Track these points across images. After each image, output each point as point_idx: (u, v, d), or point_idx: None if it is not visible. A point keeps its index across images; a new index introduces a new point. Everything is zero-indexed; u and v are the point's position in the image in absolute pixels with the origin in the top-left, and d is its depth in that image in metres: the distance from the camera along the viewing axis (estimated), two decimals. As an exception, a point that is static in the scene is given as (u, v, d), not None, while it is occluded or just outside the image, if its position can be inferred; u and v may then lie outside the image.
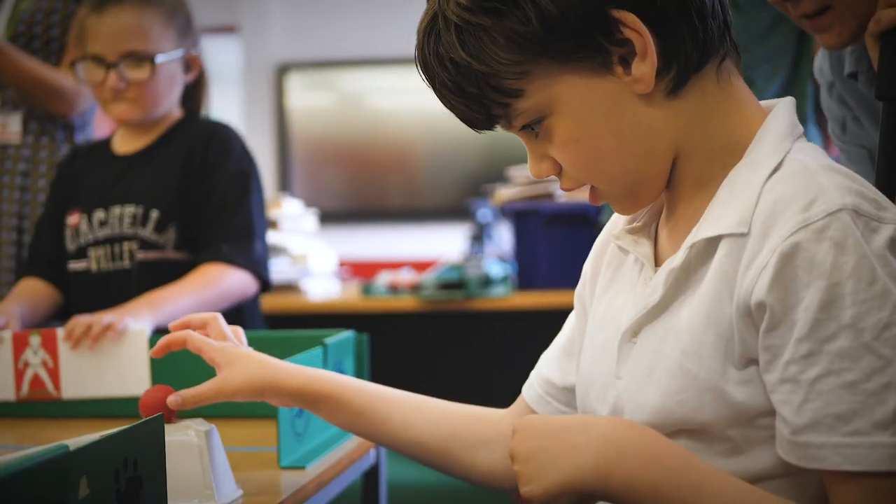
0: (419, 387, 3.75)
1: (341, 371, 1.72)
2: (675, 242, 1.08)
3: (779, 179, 0.99)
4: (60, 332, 1.88)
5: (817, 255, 0.93)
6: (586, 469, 0.98)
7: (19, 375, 1.88)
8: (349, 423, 1.31)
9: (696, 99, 1.05)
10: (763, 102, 1.09)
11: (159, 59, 2.18)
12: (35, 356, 1.87)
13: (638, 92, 1.03)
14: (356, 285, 4.31)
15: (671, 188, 1.09)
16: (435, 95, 1.09)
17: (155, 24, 2.20)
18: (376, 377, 1.89)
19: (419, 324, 3.88)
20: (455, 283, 3.66)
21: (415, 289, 3.77)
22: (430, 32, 1.06)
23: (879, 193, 0.98)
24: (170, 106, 2.27)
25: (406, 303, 3.72)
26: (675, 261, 1.04)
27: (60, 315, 2.26)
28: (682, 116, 1.04)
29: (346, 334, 1.76)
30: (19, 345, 1.88)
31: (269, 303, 3.18)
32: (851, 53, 1.48)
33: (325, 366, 1.64)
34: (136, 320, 1.91)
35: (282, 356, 1.51)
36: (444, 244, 6.32)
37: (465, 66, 1.03)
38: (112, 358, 1.86)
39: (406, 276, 3.90)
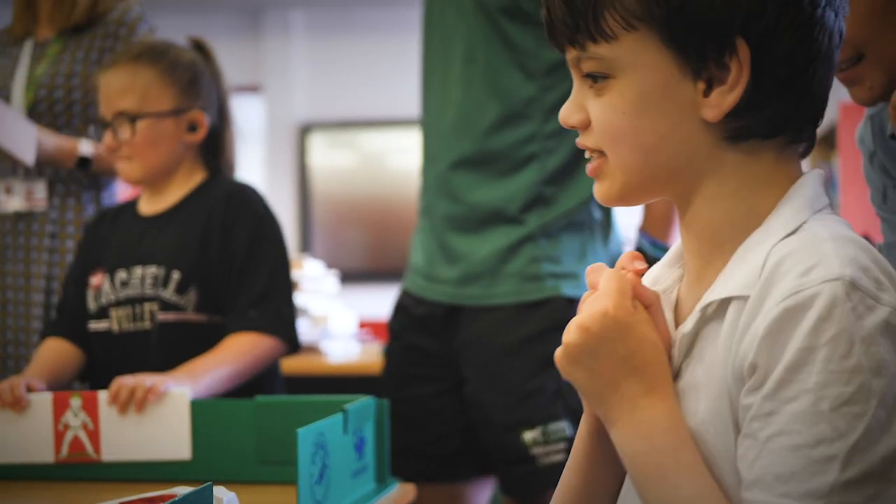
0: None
1: (362, 438, 1.71)
2: (691, 307, 1.07)
3: (786, 244, 0.99)
4: (102, 394, 1.87)
5: (803, 319, 0.92)
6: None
7: (59, 437, 1.87)
8: None
9: (745, 158, 1.04)
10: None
11: (141, 116, 2.20)
12: (75, 418, 1.87)
13: (704, 116, 1.02)
14: (376, 347, 4.29)
15: (690, 241, 1.09)
16: None
17: (145, 83, 2.21)
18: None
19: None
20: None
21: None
22: None
23: (890, 272, 0.97)
24: (173, 165, 2.27)
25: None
26: (686, 326, 1.04)
27: (83, 378, 2.25)
28: (724, 164, 1.04)
29: (367, 400, 1.75)
30: (60, 406, 1.87)
31: (289, 365, 3.16)
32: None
33: (345, 432, 1.62)
34: (178, 385, 1.90)
35: (302, 422, 1.50)
36: (464, 305, 6.29)
37: None
38: (153, 420, 1.85)
39: (426, 339, 3.87)
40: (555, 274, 2.12)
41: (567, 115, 1.08)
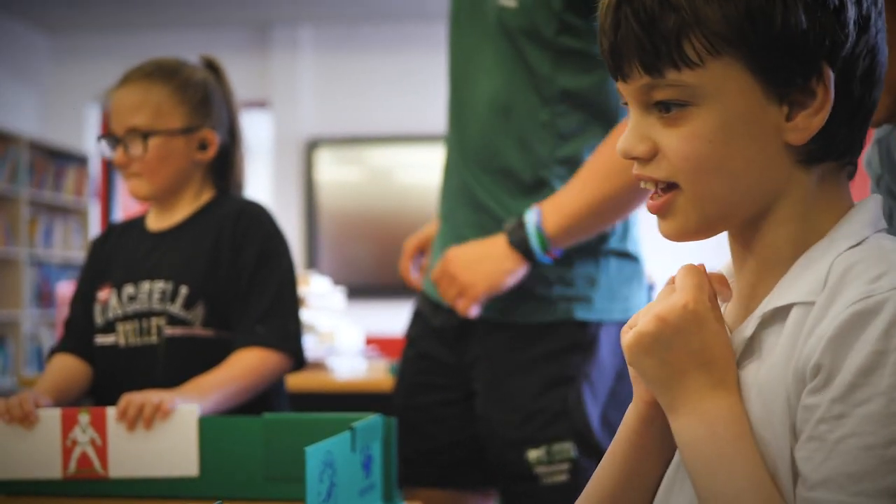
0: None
1: (370, 456, 1.70)
2: (739, 319, 1.09)
3: (851, 254, 1.01)
4: (110, 410, 1.87)
5: (871, 323, 0.94)
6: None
7: (67, 453, 1.87)
8: None
9: (816, 181, 1.05)
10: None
11: (153, 133, 2.21)
12: (84, 434, 1.86)
13: (790, 140, 1.03)
14: (383, 364, 4.29)
15: (747, 258, 1.09)
16: (607, 21, 1.05)
17: (158, 101, 2.22)
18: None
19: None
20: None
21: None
22: None
23: None
24: (183, 182, 2.28)
25: (433, 382, 3.68)
26: (746, 331, 1.06)
27: (89, 392, 2.25)
28: (797, 187, 1.05)
29: (374, 418, 1.74)
30: (68, 422, 1.87)
31: (295, 381, 3.16)
32: None
33: (353, 450, 1.62)
34: (186, 401, 1.90)
35: (309, 439, 1.50)
36: (470, 322, 6.29)
37: (674, 9, 1.01)
38: (161, 437, 1.85)
39: (433, 356, 3.87)
40: (567, 297, 2.12)
41: (630, 145, 1.07)
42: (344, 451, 1.59)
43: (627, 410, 1.14)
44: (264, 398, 2.15)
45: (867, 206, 1.07)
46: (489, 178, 2.18)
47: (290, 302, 2.23)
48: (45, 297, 7.29)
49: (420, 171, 7.57)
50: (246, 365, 2.11)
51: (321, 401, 3.18)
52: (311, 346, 3.73)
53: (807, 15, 0.99)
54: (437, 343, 2.27)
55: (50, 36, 8.08)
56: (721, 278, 1.11)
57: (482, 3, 2.15)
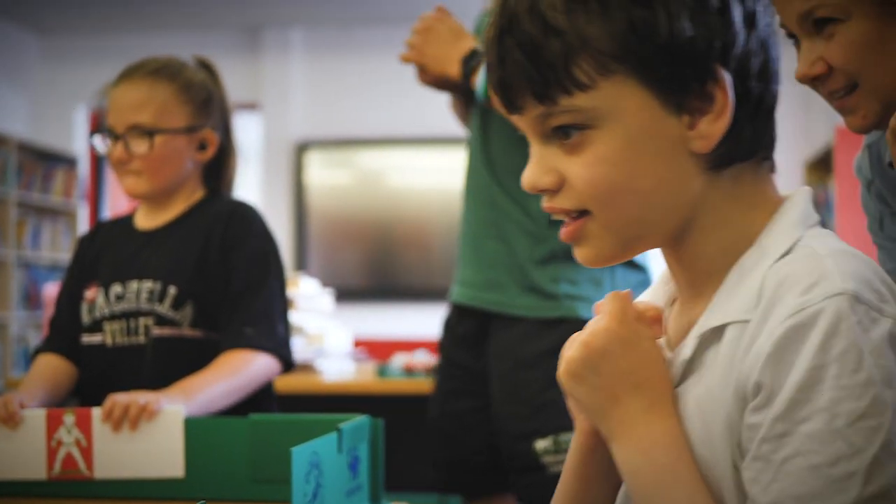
0: (432, 471, 3.72)
1: (356, 458, 1.70)
2: (681, 331, 1.07)
3: (785, 263, 0.98)
4: (96, 411, 1.86)
5: (808, 337, 0.92)
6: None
7: (52, 454, 1.86)
8: None
9: (729, 185, 1.03)
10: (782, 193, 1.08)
11: (159, 131, 2.20)
12: (69, 435, 1.85)
13: (695, 148, 1.00)
14: (371, 366, 4.28)
15: (684, 270, 1.08)
16: (492, 55, 1.02)
17: (163, 99, 2.22)
18: (390, 461, 1.87)
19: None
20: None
21: (430, 371, 3.74)
22: None
23: (889, 284, 0.97)
24: (180, 181, 2.27)
25: (421, 385, 3.69)
26: (685, 352, 1.03)
27: (75, 392, 2.24)
28: (712, 194, 1.03)
29: (362, 419, 1.74)
30: (53, 423, 1.86)
31: (283, 383, 3.15)
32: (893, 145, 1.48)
33: (339, 451, 1.62)
34: (172, 402, 1.90)
35: (296, 441, 1.50)
36: (459, 325, 6.29)
37: (557, 34, 0.98)
38: (146, 438, 1.84)
39: (421, 359, 3.88)
40: (571, 295, 2.20)
41: (535, 178, 1.03)
42: (330, 452, 1.59)
43: (573, 438, 1.13)
44: (252, 400, 2.14)
45: (794, 202, 1.04)
46: (508, 178, 2.25)
47: (279, 304, 2.22)
48: (32, 299, 7.27)
49: (410, 174, 7.57)
50: (233, 366, 2.10)
51: (309, 402, 3.18)
52: (300, 348, 3.73)
53: (692, 20, 0.98)
54: (462, 350, 2.35)
55: (40, 37, 8.06)
56: (654, 312, 1.08)
57: None
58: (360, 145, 7.60)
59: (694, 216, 1.03)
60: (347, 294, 6.65)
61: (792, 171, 6.28)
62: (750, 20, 1.01)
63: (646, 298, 1.16)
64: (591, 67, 0.98)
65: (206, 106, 2.28)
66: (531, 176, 1.04)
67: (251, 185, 7.69)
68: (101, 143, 2.26)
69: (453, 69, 2.20)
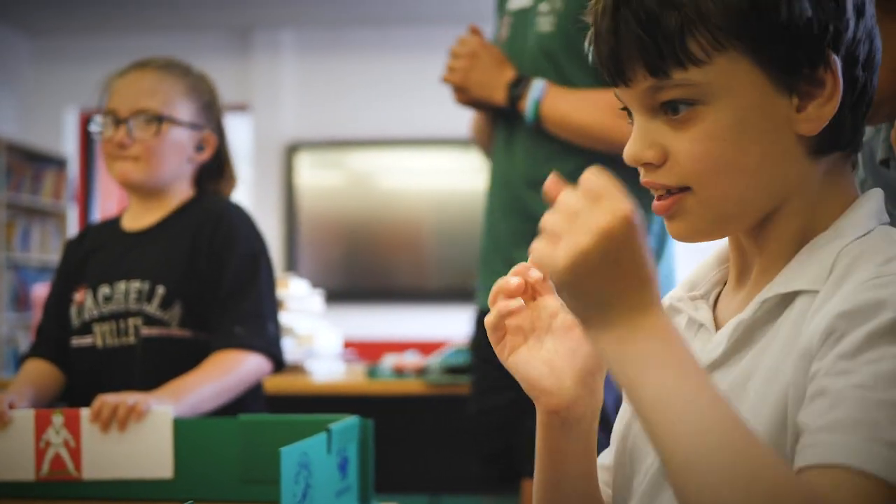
0: (422, 472, 3.72)
1: (346, 458, 1.70)
2: (740, 307, 1.05)
3: (859, 243, 0.99)
4: (84, 412, 1.85)
5: (887, 296, 0.91)
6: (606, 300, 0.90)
7: (40, 455, 1.85)
8: None
9: (824, 171, 1.04)
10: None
11: (166, 118, 2.20)
12: (57, 436, 1.85)
13: (802, 131, 1.01)
14: (361, 367, 4.28)
15: (753, 251, 1.07)
16: (605, 25, 1.01)
17: (173, 91, 2.23)
18: (380, 462, 1.87)
19: (424, 408, 3.85)
20: (461, 368, 3.63)
21: (420, 372, 3.74)
22: None
23: None
24: (174, 177, 2.27)
25: (411, 386, 3.69)
26: (743, 315, 1.03)
27: (65, 395, 2.24)
28: (808, 180, 1.03)
29: (351, 419, 1.74)
30: (41, 424, 1.85)
31: (273, 384, 3.15)
32: (884, 141, 1.49)
33: (329, 452, 1.62)
34: (161, 403, 1.90)
35: (285, 441, 1.50)
36: (449, 325, 6.30)
37: (675, 7, 0.98)
38: (135, 439, 1.84)
39: (411, 360, 3.88)
40: None
41: (638, 151, 1.03)
42: (320, 452, 1.59)
43: (537, 421, 1.11)
44: (241, 400, 2.14)
45: (872, 197, 1.05)
46: (539, 186, 2.32)
47: (269, 304, 2.22)
48: (21, 301, 7.25)
49: (400, 176, 7.57)
50: (224, 367, 2.10)
51: (299, 403, 3.17)
52: (290, 349, 3.72)
53: (810, 2, 0.98)
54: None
55: (30, 38, 8.04)
56: None
57: (525, 35, 2.36)
58: (350, 146, 7.60)
59: (788, 199, 1.04)
60: (337, 295, 6.65)
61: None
62: (860, 8, 1.02)
63: (692, 277, 1.15)
64: (707, 42, 0.99)
65: (209, 109, 2.29)
66: (634, 149, 1.03)
67: (241, 186, 7.68)
68: (101, 125, 2.24)
69: (499, 95, 2.37)
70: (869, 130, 1.54)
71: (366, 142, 7.55)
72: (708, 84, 0.99)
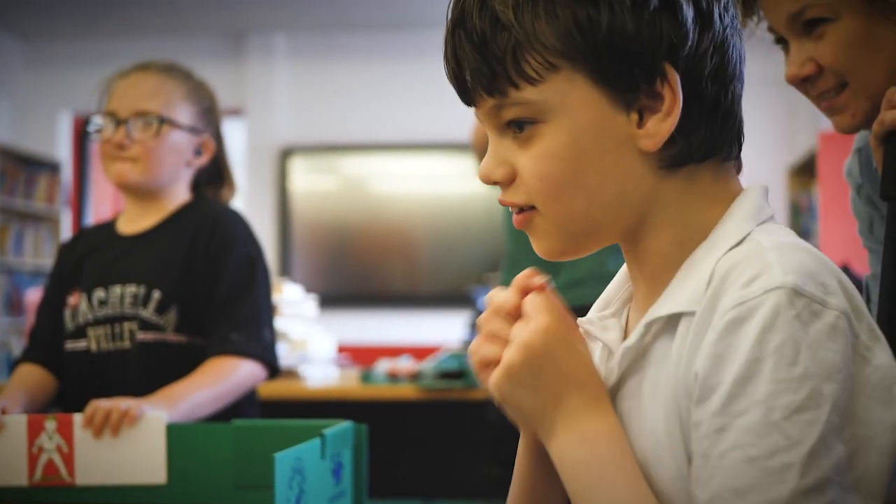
0: (416, 477, 3.73)
1: (340, 464, 1.69)
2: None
3: (731, 255, 0.98)
4: (77, 417, 1.85)
5: (745, 331, 0.91)
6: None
7: (33, 460, 1.84)
8: None
9: (684, 184, 1.03)
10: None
11: (167, 120, 2.20)
12: (50, 441, 1.84)
13: (643, 146, 1.00)
14: (355, 372, 4.28)
15: (640, 267, 1.07)
16: (447, 48, 1.04)
17: (173, 94, 2.23)
18: (374, 467, 1.87)
19: (418, 413, 3.85)
20: (454, 373, 3.63)
21: (414, 377, 3.73)
22: None
23: (839, 277, 0.96)
24: (171, 180, 2.27)
25: (405, 391, 3.69)
26: (629, 340, 1.03)
27: (58, 399, 2.23)
28: (665, 193, 1.02)
29: (345, 425, 1.74)
30: (34, 429, 1.85)
31: (266, 389, 3.15)
32: None
33: (323, 457, 1.61)
34: (154, 409, 1.89)
35: (279, 446, 1.49)
36: (443, 330, 6.30)
37: (504, 28, 0.99)
38: (128, 444, 1.83)
39: (405, 365, 3.87)
40: None
41: (489, 170, 1.04)
42: (314, 457, 1.58)
43: (519, 445, 1.12)
44: (235, 405, 2.13)
45: (747, 197, 1.04)
46: None
47: (265, 310, 2.21)
48: (15, 305, 7.24)
49: (395, 180, 7.56)
50: (219, 373, 2.09)
51: (292, 408, 3.17)
52: (283, 354, 3.72)
53: (633, 18, 0.98)
54: None
55: (23, 43, 8.03)
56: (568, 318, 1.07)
57: None
58: (344, 151, 7.59)
59: (647, 213, 1.03)
60: (331, 300, 6.64)
61: (776, 177, 6.30)
62: (705, 20, 1.00)
63: (605, 296, 1.15)
64: (538, 62, 0.99)
65: (209, 114, 2.29)
66: (485, 168, 1.05)
67: (235, 190, 7.67)
68: (99, 125, 2.22)
69: None
70: (865, 136, 1.54)
71: (360, 146, 7.55)
72: (544, 102, 1.00)
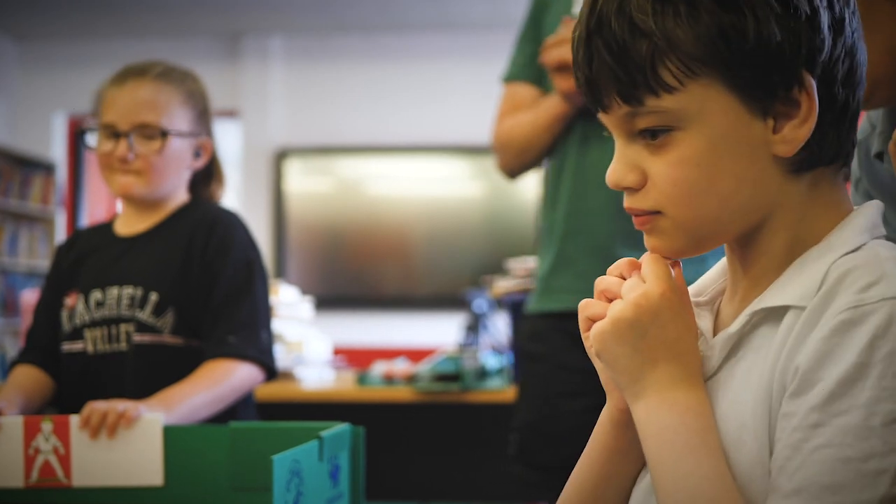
0: (412, 479, 3.73)
1: (337, 466, 1.69)
2: (732, 318, 1.07)
3: (848, 259, 0.99)
4: (74, 418, 1.84)
5: (857, 334, 0.93)
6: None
7: (29, 462, 1.84)
8: None
9: (808, 188, 1.04)
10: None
11: (170, 132, 2.18)
12: (46, 443, 1.84)
13: (778, 152, 1.01)
14: (351, 374, 4.28)
15: (746, 263, 1.08)
16: (580, 54, 1.03)
17: (172, 101, 2.21)
18: (370, 469, 1.87)
19: (414, 415, 3.84)
20: (451, 376, 3.63)
21: (410, 380, 3.73)
22: None
23: None
24: (174, 187, 2.26)
25: (401, 394, 3.69)
26: (732, 328, 1.04)
27: (55, 400, 2.22)
28: (790, 196, 1.04)
29: (343, 427, 1.73)
30: (30, 431, 1.84)
31: (262, 391, 3.14)
32: (880, 135, 1.49)
33: (320, 460, 1.61)
34: (151, 412, 1.89)
35: (276, 448, 1.49)
36: (438, 333, 6.29)
37: (644, 35, 0.99)
38: (125, 446, 1.83)
39: (401, 367, 3.87)
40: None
41: (620, 176, 1.04)
42: (311, 460, 1.58)
43: (602, 414, 1.13)
44: (232, 407, 2.13)
45: (866, 211, 1.05)
46: None
47: (263, 313, 2.21)
48: (10, 306, 7.22)
49: (390, 182, 7.56)
50: (216, 376, 2.09)
51: (288, 410, 3.17)
52: (279, 356, 3.71)
53: (779, 26, 0.98)
54: (576, 353, 2.45)
55: (18, 44, 8.01)
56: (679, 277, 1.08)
57: None
58: (339, 153, 7.59)
59: (769, 217, 1.04)
60: (326, 302, 6.64)
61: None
62: (838, 26, 1.02)
63: (700, 284, 1.16)
64: (678, 69, 0.99)
65: (204, 113, 2.28)
66: (615, 174, 1.05)
67: (230, 192, 7.66)
68: (97, 139, 2.21)
69: None
70: (864, 129, 1.54)
71: (355, 148, 7.55)
72: (682, 110, 1.00)
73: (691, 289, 1.14)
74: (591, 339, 1.04)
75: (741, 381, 1.02)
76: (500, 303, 4.03)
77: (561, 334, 2.36)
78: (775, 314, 1.01)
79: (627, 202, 1.06)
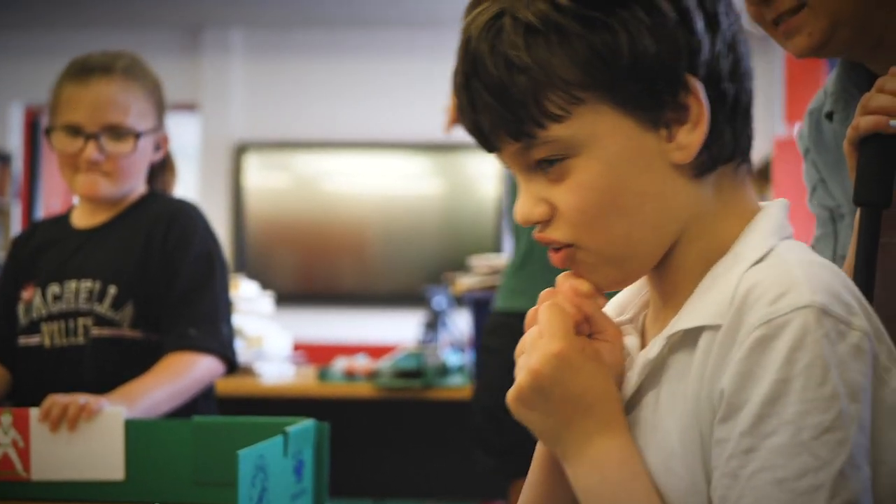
0: (374, 475, 3.72)
1: (301, 461, 1.68)
2: (656, 333, 1.05)
3: (756, 270, 0.97)
4: (34, 411, 1.82)
5: (774, 349, 0.91)
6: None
7: None
8: None
9: (712, 189, 1.03)
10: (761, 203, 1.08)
11: (141, 133, 2.15)
12: (5, 436, 1.82)
13: (675, 160, 1.00)
14: (311, 370, 4.27)
15: (661, 279, 1.06)
16: (462, 99, 1.02)
17: (138, 99, 2.18)
18: (331, 465, 1.86)
19: (375, 411, 3.84)
20: (412, 372, 3.63)
21: (371, 376, 3.73)
22: (491, 28, 0.99)
23: (859, 298, 0.97)
24: (138, 183, 2.24)
25: (362, 389, 3.68)
26: (650, 352, 1.02)
27: (10, 395, 2.20)
28: (697, 201, 1.02)
29: (307, 423, 1.72)
30: None
31: (222, 385, 3.11)
32: (831, 95, 1.50)
33: (285, 455, 1.60)
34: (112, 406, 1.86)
35: (240, 443, 1.48)
36: (398, 330, 6.29)
37: (521, 71, 0.97)
38: (86, 440, 1.81)
39: (362, 363, 3.87)
40: None
41: (527, 211, 1.02)
42: (276, 455, 1.57)
43: (535, 452, 1.12)
44: (192, 402, 2.11)
45: (770, 212, 1.04)
46: None
47: (223, 305, 2.20)
48: (-37, 299, 7.14)
49: (349, 179, 7.54)
50: (177, 369, 2.07)
51: (249, 406, 3.16)
52: (239, 351, 3.69)
53: (652, 36, 0.97)
54: None
55: (-27, 32, 7.93)
56: (596, 313, 1.06)
57: None
58: (299, 148, 7.56)
59: (685, 227, 1.02)
60: (285, 298, 6.61)
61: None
62: (712, 23, 1.00)
63: (620, 300, 1.14)
64: (561, 99, 0.98)
65: (162, 108, 2.26)
66: (523, 209, 1.03)
67: (189, 186, 7.62)
68: (56, 141, 2.17)
69: None
70: (818, 98, 1.56)
71: (314, 143, 7.52)
72: (572, 137, 0.99)
73: (612, 305, 1.13)
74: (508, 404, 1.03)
75: (665, 409, 1.00)
76: (459, 300, 4.03)
77: (521, 330, 2.38)
78: (691, 335, 0.99)
79: (539, 234, 1.04)
